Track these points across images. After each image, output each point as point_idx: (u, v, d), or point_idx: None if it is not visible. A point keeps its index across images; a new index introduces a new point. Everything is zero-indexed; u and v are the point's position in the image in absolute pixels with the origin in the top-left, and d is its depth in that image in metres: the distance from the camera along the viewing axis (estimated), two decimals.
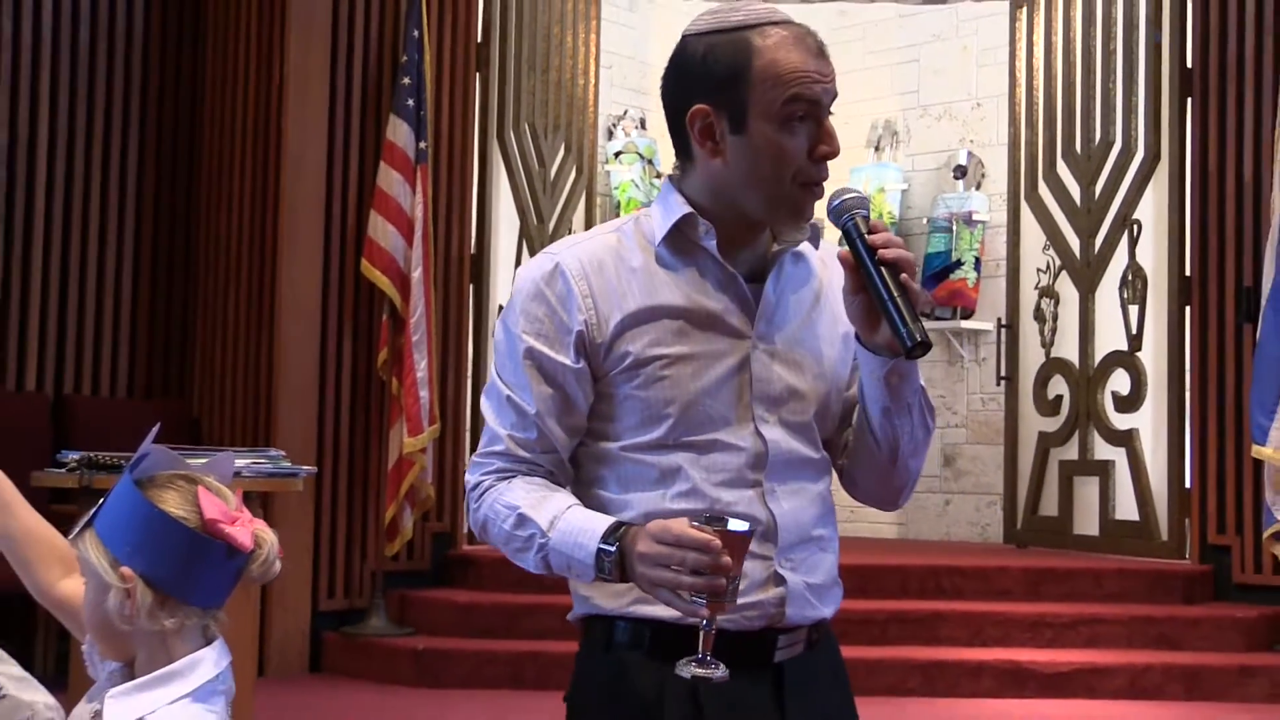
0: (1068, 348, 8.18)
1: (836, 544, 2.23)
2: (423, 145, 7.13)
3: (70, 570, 2.23)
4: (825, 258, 2.25)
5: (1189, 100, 7.55)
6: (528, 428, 2.14)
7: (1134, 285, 7.76)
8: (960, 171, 9.51)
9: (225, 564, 2.01)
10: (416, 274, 7.02)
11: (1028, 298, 8.51)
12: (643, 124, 9.82)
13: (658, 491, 2.09)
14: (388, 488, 7.00)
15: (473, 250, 7.79)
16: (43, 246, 7.09)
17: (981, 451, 9.39)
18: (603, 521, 2.02)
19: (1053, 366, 8.27)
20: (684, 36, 2.17)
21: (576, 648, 6.53)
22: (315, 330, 7.12)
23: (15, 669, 2.37)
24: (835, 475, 2.29)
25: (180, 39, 7.58)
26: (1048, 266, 8.34)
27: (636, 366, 2.10)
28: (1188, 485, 7.40)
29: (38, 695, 2.39)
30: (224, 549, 1.99)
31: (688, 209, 2.14)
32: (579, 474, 2.19)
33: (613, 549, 1.99)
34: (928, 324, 2.39)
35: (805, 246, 2.21)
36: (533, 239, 8.14)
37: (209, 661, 2.03)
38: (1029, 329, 8.48)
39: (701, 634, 1.94)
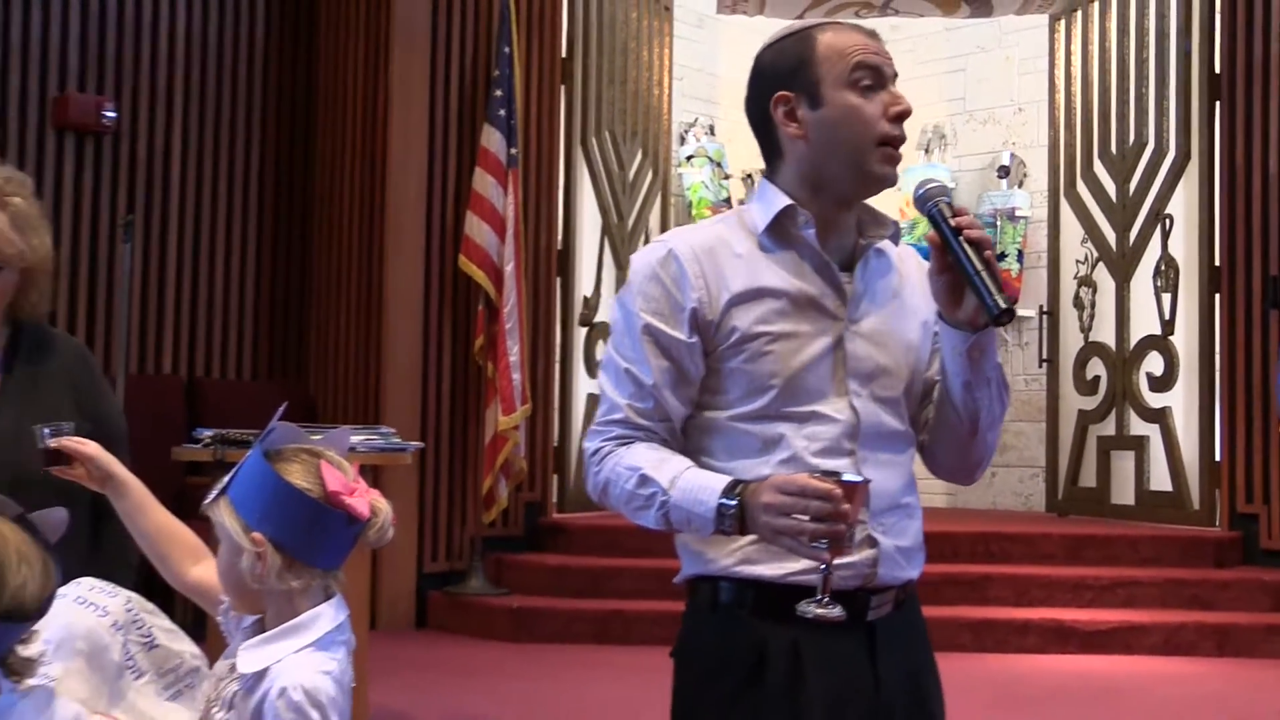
0: (1105, 332, 8.11)
1: (920, 511, 2.21)
2: (513, 151, 7.14)
3: (199, 559, 2.26)
4: (903, 255, 2.25)
5: (1217, 103, 7.48)
6: (645, 398, 2.12)
7: (1167, 274, 7.68)
8: (1004, 171, 9.44)
9: (345, 530, 2.01)
10: (509, 268, 7.04)
11: (1067, 287, 8.43)
12: (711, 130, 9.80)
13: (761, 459, 2.06)
14: (484, 461, 7.04)
15: (559, 246, 7.80)
16: (176, 246, 7.16)
17: (1025, 428, 9.33)
18: (721, 480, 2.00)
19: (1091, 350, 8.19)
20: (755, 57, 2.20)
21: (657, 606, 6.57)
22: (418, 319, 7.16)
23: (165, 621, 2.39)
24: (919, 452, 2.26)
25: (296, 59, 7.63)
26: (1085, 258, 8.27)
27: (743, 342, 2.09)
28: (1217, 458, 7.33)
29: (185, 645, 2.40)
30: (344, 517, 1.99)
31: (788, 201, 2.14)
32: (688, 444, 2.16)
33: (733, 503, 1.96)
34: None
35: (886, 245, 2.20)
36: (613, 235, 8.13)
37: (328, 616, 2.03)
38: (1068, 315, 8.40)
39: (821, 578, 1.94)
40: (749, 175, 9.91)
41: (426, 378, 7.17)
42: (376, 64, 7.25)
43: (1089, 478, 8.13)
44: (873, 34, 2.17)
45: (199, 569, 2.22)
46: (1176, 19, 7.70)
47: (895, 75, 2.16)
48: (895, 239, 2.21)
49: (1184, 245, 7.63)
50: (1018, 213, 9.29)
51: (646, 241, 8.45)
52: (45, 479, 2.50)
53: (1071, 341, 8.37)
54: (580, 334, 7.91)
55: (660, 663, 6.74)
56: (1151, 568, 6.90)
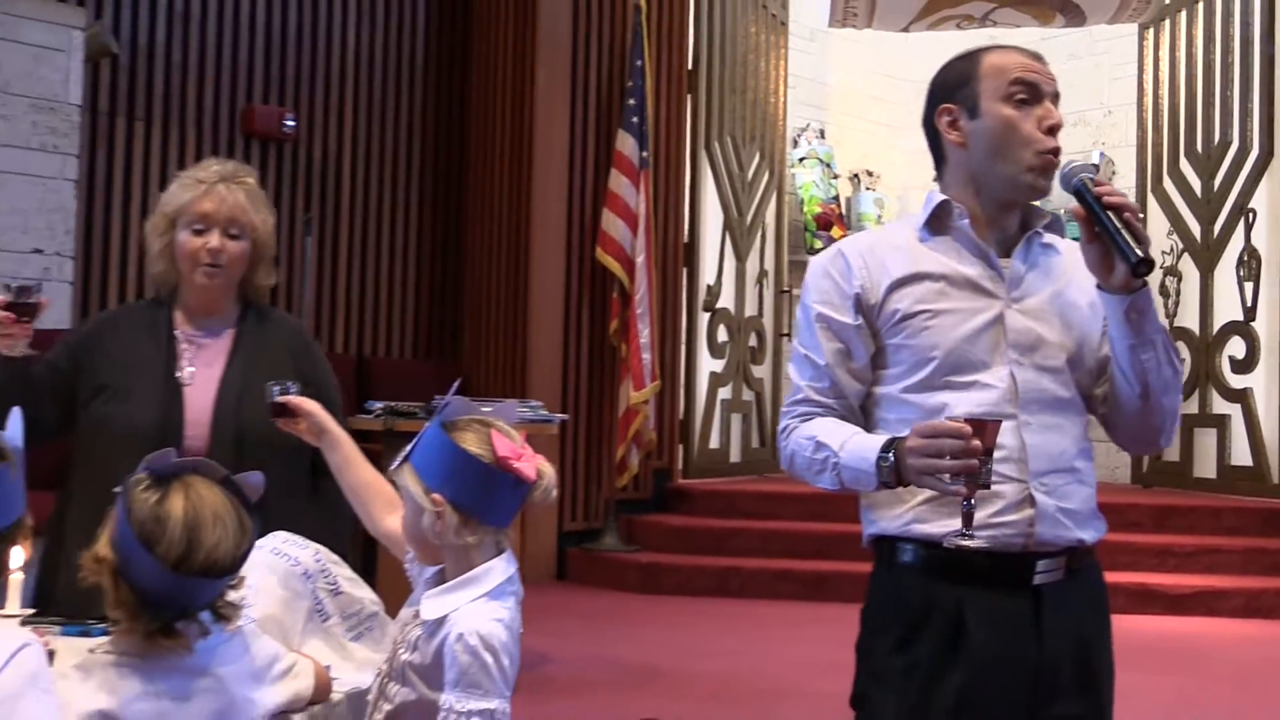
0: (1189, 318, 7.92)
1: (1092, 478, 2.16)
2: (645, 154, 7.15)
3: (394, 510, 2.26)
4: (1070, 245, 2.22)
5: None
6: (820, 378, 2.17)
7: (1249, 265, 7.48)
8: (1094, 168, 9.20)
9: (513, 492, 2.02)
10: (640, 259, 7.05)
11: (1154, 276, 8.19)
12: (822, 134, 9.71)
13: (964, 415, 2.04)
14: (618, 432, 7.07)
15: (685, 239, 7.78)
16: (348, 239, 7.28)
17: None
18: (881, 438, 2.03)
19: (1175, 334, 7.97)
20: (932, 77, 2.25)
21: (770, 564, 6.54)
22: (559, 305, 7.20)
23: (347, 570, 2.42)
24: (1102, 426, 2.23)
25: (451, 73, 7.71)
26: (1171, 249, 8.07)
27: (904, 320, 2.12)
28: None
29: (365, 592, 2.43)
30: (512, 480, 2.00)
31: (944, 198, 2.17)
32: (867, 420, 2.18)
33: (889, 456, 1.99)
34: None
35: (1053, 237, 2.20)
36: (733, 229, 8.11)
37: (500, 569, 2.04)
38: (1155, 302, 8.19)
39: (962, 512, 1.95)
40: (855, 175, 9.82)
41: (566, 357, 7.22)
42: (523, 77, 7.29)
43: (1172, 452, 7.93)
44: (1036, 56, 2.18)
45: (393, 520, 2.24)
46: (1261, 25, 7.49)
47: (1056, 94, 2.15)
48: (1059, 230, 2.22)
49: (1266, 237, 7.43)
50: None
51: (763, 235, 8.45)
52: (265, 435, 2.56)
53: None
54: (703, 319, 7.89)
55: (772, 614, 6.79)
56: (1233, 536, 6.73)
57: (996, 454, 1.97)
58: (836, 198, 9.53)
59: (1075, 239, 2.11)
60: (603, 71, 7.43)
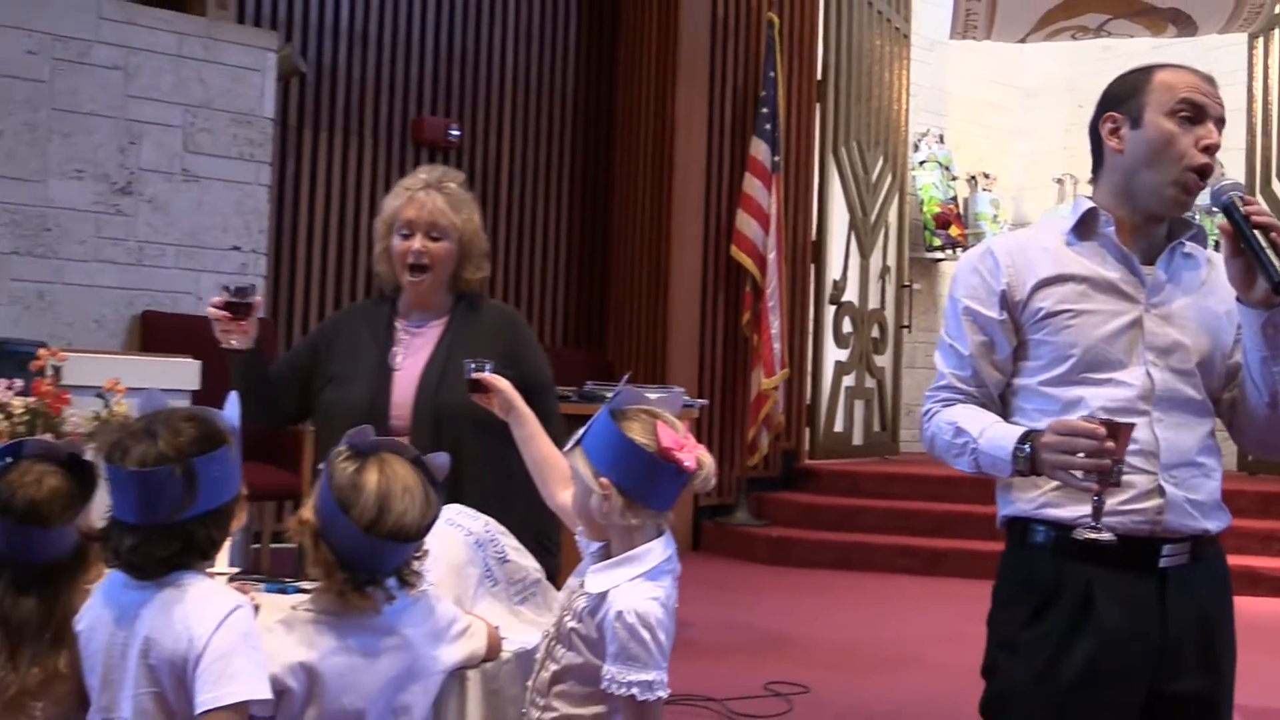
0: None
1: (1219, 475, 2.11)
2: (776, 159, 7.11)
3: (569, 485, 2.25)
4: (1213, 257, 2.17)
5: None
6: (964, 367, 2.15)
7: None
8: (1243, 189, 8.91)
9: (675, 480, 2.01)
10: (771, 256, 7.02)
11: None
12: (941, 139, 9.54)
13: (1064, 417, 2.02)
14: (749, 416, 7.06)
15: (813, 237, 7.72)
16: (504, 237, 7.36)
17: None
18: (1018, 429, 2.02)
19: None
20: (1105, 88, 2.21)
21: (892, 540, 6.45)
22: (696, 298, 7.20)
23: (513, 541, 2.44)
24: (1227, 430, 2.17)
25: (599, 86, 7.73)
26: None
27: (1047, 318, 2.08)
28: None
29: (529, 561, 2.45)
30: (674, 469, 2.00)
31: (1091, 205, 2.13)
32: (1005, 409, 2.15)
33: (1026, 447, 1.97)
34: None
35: (1195, 247, 2.14)
36: (858, 228, 8.02)
37: (659, 550, 2.04)
38: None
39: (1093, 506, 1.92)
40: (972, 177, 9.64)
41: (703, 346, 7.21)
42: (664, 89, 7.29)
43: None
44: (1208, 78, 2.12)
45: (567, 494, 2.24)
46: None
47: (1221, 119, 2.09)
48: (1202, 241, 2.17)
49: None
50: (1215, 208, 8.76)
51: (886, 233, 8.34)
52: (461, 413, 2.59)
53: None
54: (829, 311, 7.82)
55: (893, 585, 6.69)
56: None
57: (1130, 447, 1.94)
58: (954, 198, 9.38)
59: (1217, 250, 2.06)
60: (738, 82, 7.40)
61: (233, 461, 1.93)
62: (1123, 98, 2.12)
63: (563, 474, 2.31)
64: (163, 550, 1.87)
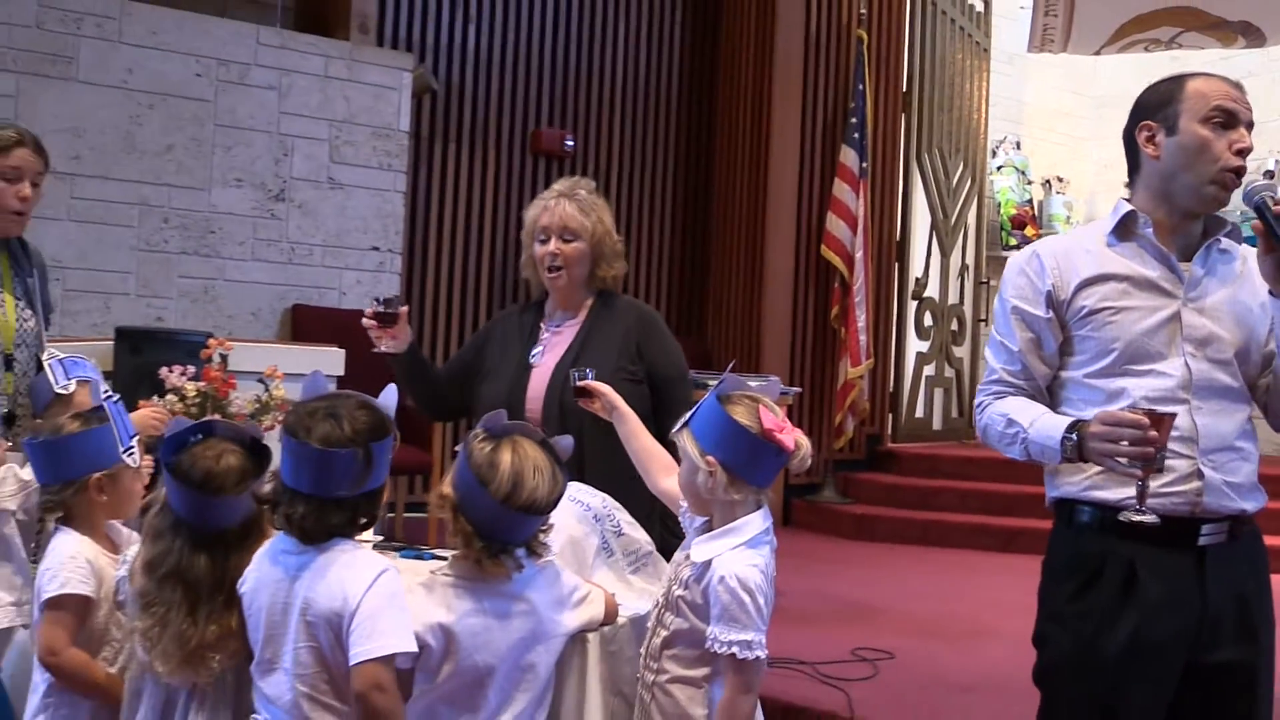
0: None
1: (1256, 458, 2.07)
2: (864, 165, 7.02)
3: (667, 473, 2.28)
4: (1246, 252, 2.12)
5: None
6: (1013, 361, 2.12)
7: None
8: (1269, 175, 8.61)
9: (775, 459, 2.02)
10: (859, 255, 6.94)
11: None
12: (1018, 145, 9.35)
13: (1107, 407, 1.99)
14: (836, 402, 6.99)
15: (897, 238, 7.61)
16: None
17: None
18: (1065, 419, 2.00)
19: None
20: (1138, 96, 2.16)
21: (969, 519, 6.31)
22: (789, 293, 7.15)
23: (627, 515, 2.45)
24: (1262, 413, 2.12)
25: (701, 99, 7.70)
26: None
27: (1090, 314, 2.06)
28: None
29: (641, 534, 2.46)
30: (775, 449, 2.01)
31: (1130, 208, 2.09)
32: (1053, 400, 2.13)
33: (1073, 436, 1.95)
34: None
35: (1230, 243, 2.09)
36: (939, 229, 7.89)
37: (757, 522, 2.05)
38: None
39: (1137, 490, 1.91)
40: (1047, 181, 9.44)
41: (794, 337, 7.16)
42: (761, 100, 7.24)
43: None
44: (1237, 85, 2.07)
45: (667, 481, 2.27)
46: None
47: (1251, 123, 2.05)
48: (1237, 238, 2.12)
49: None
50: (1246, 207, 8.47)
51: (965, 234, 8.20)
52: (578, 408, 2.61)
53: None
54: (912, 306, 7.71)
55: (969, 561, 6.56)
56: None
57: (1171, 434, 1.91)
58: (1030, 201, 9.19)
59: (1252, 245, 2.01)
60: (829, 94, 7.32)
61: (391, 452, 1.99)
62: (1157, 106, 2.07)
63: (662, 463, 2.32)
64: (333, 519, 1.93)
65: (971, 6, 8.26)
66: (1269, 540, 2.12)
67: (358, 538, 2.01)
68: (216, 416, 2.86)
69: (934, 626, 4.40)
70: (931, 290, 7.84)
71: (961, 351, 8.16)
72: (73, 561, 2.22)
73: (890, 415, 7.55)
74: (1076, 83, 9.66)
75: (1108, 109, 9.76)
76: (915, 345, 7.72)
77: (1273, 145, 8.71)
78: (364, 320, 2.88)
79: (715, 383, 2.10)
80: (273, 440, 2.06)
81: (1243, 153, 2.02)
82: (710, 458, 2.00)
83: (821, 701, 3.29)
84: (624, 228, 7.36)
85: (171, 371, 3.09)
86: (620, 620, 2.20)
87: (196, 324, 5.39)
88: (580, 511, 2.39)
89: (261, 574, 1.98)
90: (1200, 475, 1.98)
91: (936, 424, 7.90)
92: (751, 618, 1.94)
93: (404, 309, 2.89)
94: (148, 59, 5.47)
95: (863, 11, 7.25)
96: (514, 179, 6.89)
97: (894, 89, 7.56)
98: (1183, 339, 2.02)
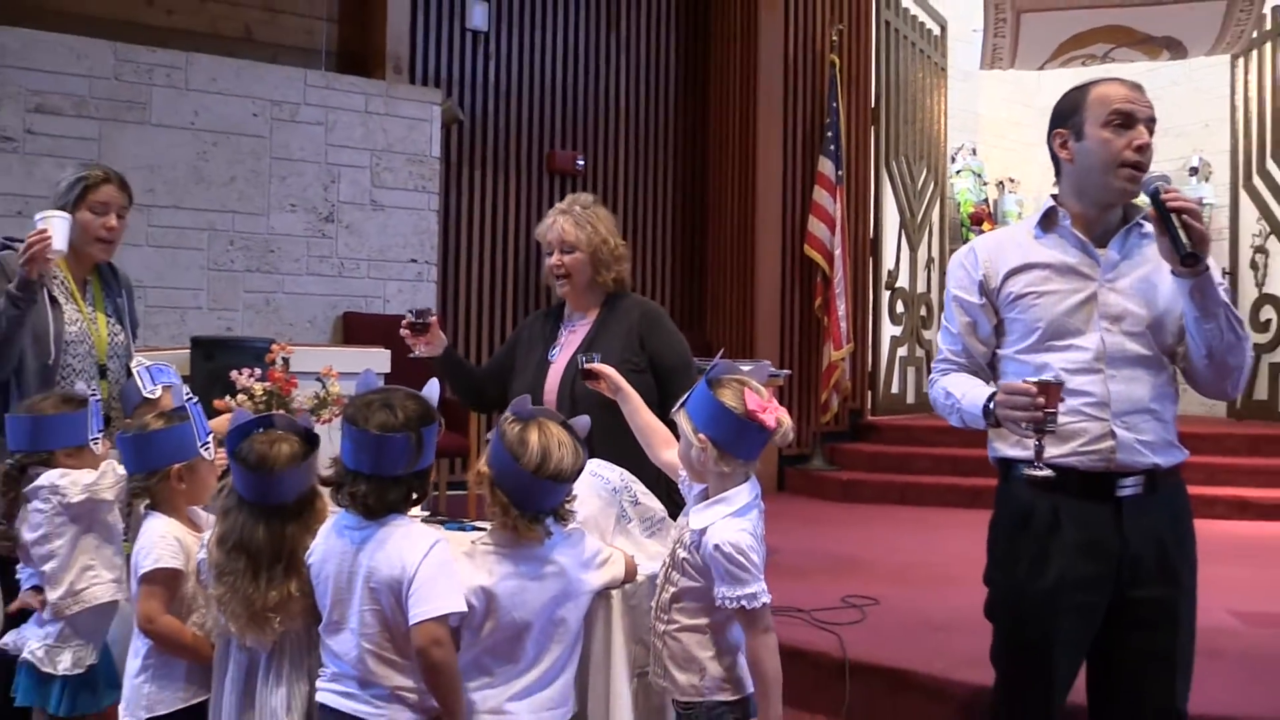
0: (1275, 286, 7.35)
1: (1170, 417, 2.06)
2: (840, 173, 7.00)
3: (667, 446, 2.29)
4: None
5: None
6: (955, 342, 2.16)
7: None
8: (1193, 171, 8.57)
9: (758, 435, 2.02)
10: (837, 252, 6.93)
11: (1244, 254, 7.62)
12: (974, 151, 9.32)
13: (1035, 378, 1.99)
14: (822, 381, 6.99)
15: (871, 235, 7.59)
16: (620, 233, 7.36)
17: None
18: (988, 390, 2.02)
19: (1264, 299, 7.40)
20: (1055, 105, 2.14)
21: (942, 480, 6.31)
22: (777, 287, 7.14)
23: (642, 486, 2.44)
24: (1183, 377, 2.11)
25: (695, 118, 7.69)
26: (1260, 232, 7.48)
27: (1017, 299, 2.07)
28: None
29: (655, 504, 2.46)
30: (757, 427, 2.01)
31: (1053, 204, 2.11)
32: (994, 375, 2.14)
33: (990, 405, 1.99)
34: None
35: (1150, 229, 2.06)
36: (908, 227, 7.88)
37: (745, 491, 2.06)
38: (1246, 275, 7.58)
39: (1034, 449, 1.93)
40: (1000, 182, 9.42)
41: (783, 326, 7.15)
42: (747, 119, 7.23)
43: (1261, 392, 7.36)
44: (1136, 86, 2.05)
45: (668, 453, 2.27)
46: None
47: (1151, 119, 2.03)
48: (1147, 220, 2.09)
49: None
50: (1204, 201, 8.42)
51: (930, 230, 8.17)
52: (590, 396, 2.61)
53: (1248, 293, 7.56)
54: (885, 295, 7.70)
55: (944, 519, 6.54)
56: None
57: (1085, 399, 1.95)
58: (986, 200, 9.18)
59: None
60: (807, 112, 7.30)
61: (437, 436, 2.00)
62: (1067, 114, 2.07)
63: (663, 438, 2.33)
64: (391, 495, 1.95)
65: (930, 31, 8.23)
66: (1194, 490, 2.12)
67: (408, 514, 2.02)
68: (281, 411, 2.88)
69: (912, 574, 4.41)
70: (902, 281, 7.83)
71: (930, 334, 8.14)
72: (163, 540, 2.24)
73: (870, 392, 7.55)
74: (1024, 95, 9.63)
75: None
76: (889, 330, 7.71)
77: (1197, 144, 8.68)
78: (401, 332, 2.89)
79: (709, 368, 2.11)
80: (333, 431, 2.08)
81: (1141, 149, 2.01)
82: (702, 435, 2.01)
83: (817, 643, 3.31)
84: (629, 234, 7.36)
85: (241, 374, 3.10)
86: (640, 578, 2.21)
87: (261, 332, 5.42)
88: (601, 485, 2.39)
89: (328, 546, 2.00)
90: (1113, 435, 1.99)
91: (910, 398, 7.89)
92: (750, 573, 1.95)
93: (434, 318, 2.90)
94: (211, 103, 5.49)
95: (834, 38, 7.23)
96: (533, 196, 6.89)
97: (864, 105, 7.54)
98: (1099, 316, 2.02)
